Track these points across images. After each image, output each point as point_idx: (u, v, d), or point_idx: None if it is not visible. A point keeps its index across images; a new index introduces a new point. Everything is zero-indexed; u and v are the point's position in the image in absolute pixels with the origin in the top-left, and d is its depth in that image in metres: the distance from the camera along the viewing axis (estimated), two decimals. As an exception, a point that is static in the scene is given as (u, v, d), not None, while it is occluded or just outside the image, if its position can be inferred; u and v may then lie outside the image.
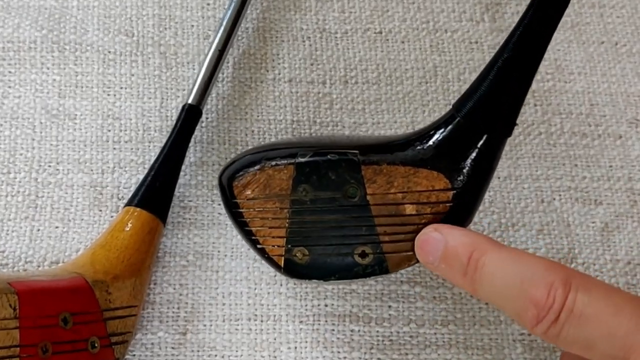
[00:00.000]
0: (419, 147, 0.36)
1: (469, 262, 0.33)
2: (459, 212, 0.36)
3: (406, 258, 0.36)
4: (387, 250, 0.35)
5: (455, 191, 0.35)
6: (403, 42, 0.49)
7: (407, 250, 0.35)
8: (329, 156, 0.36)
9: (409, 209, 0.35)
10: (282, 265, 0.36)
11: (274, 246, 0.36)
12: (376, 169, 0.35)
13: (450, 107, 0.36)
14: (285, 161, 0.36)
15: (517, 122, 0.35)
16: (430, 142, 0.35)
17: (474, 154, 0.35)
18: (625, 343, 0.29)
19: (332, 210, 0.36)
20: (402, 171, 0.35)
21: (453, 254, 0.34)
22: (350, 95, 0.47)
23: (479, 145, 0.35)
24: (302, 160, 0.36)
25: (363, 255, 0.36)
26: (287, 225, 0.36)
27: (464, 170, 0.35)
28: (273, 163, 0.36)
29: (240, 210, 0.37)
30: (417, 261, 0.36)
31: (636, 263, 0.44)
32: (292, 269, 0.36)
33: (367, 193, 0.35)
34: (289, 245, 0.36)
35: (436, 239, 0.34)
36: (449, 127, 0.35)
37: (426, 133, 0.36)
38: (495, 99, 0.34)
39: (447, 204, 0.35)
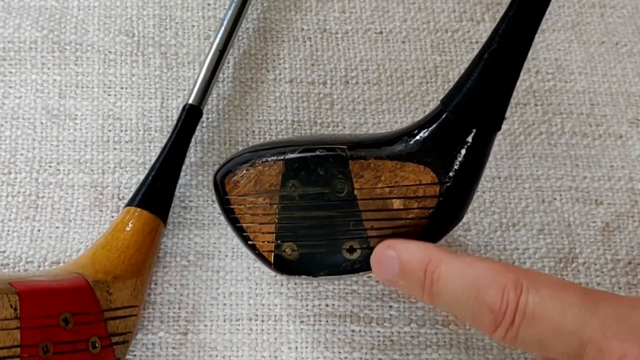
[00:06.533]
0: (406, 142, 0.36)
1: (425, 276, 0.33)
2: (449, 208, 0.35)
3: None
4: (375, 246, 0.35)
5: (443, 185, 0.35)
6: (404, 42, 0.49)
7: None
8: (317, 152, 0.36)
9: (396, 204, 0.35)
10: (272, 261, 0.37)
11: (263, 242, 0.37)
12: (363, 163, 0.35)
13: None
14: (275, 157, 0.36)
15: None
16: (418, 137, 0.35)
17: (462, 149, 0.35)
18: (575, 340, 0.29)
19: (321, 205, 0.36)
20: (389, 165, 0.35)
21: (409, 270, 0.34)
22: (351, 95, 0.47)
23: (467, 140, 0.35)
24: (291, 156, 0.36)
25: (351, 250, 0.36)
26: (276, 220, 0.36)
27: (453, 165, 0.35)
28: (263, 159, 0.36)
29: (232, 206, 0.37)
30: None
31: (637, 263, 0.44)
32: (282, 265, 0.37)
33: (354, 188, 0.35)
34: (279, 241, 0.36)
35: (390, 257, 0.34)
36: (437, 122, 0.35)
37: (414, 128, 0.36)
38: (483, 92, 0.34)
39: (435, 199, 0.35)
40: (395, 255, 0.34)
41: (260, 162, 0.36)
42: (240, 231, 0.37)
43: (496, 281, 0.31)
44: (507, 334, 0.31)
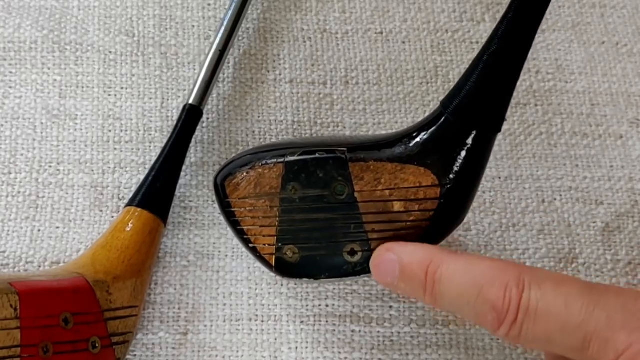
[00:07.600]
0: (406, 144, 0.36)
1: (427, 277, 0.33)
2: (449, 209, 0.35)
3: None
4: (376, 248, 0.35)
5: (443, 187, 0.35)
6: (404, 43, 0.49)
7: None
8: (317, 154, 0.36)
9: (397, 206, 0.35)
10: (273, 264, 0.36)
11: (264, 245, 0.37)
12: (363, 166, 0.35)
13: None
14: (275, 160, 0.36)
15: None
16: (418, 139, 0.35)
17: (462, 150, 0.35)
18: (580, 333, 0.29)
19: (321, 208, 0.36)
20: (389, 168, 0.35)
21: (409, 273, 0.34)
22: (351, 95, 0.47)
23: (467, 142, 0.35)
24: (291, 158, 0.36)
25: (352, 253, 0.36)
26: (277, 223, 0.36)
27: (453, 167, 0.35)
28: (263, 162, 0.36)
29: (233, 209, 0.37)
30: None
31: (637, 263, 0.44)
32: (283, 268, 0.36)
33: (354, 190, 0.35)
34: (280, 244, 0.36)
35: (390, 260, 0.34)
36: (437, 124, 0.35)
37: (414, 130, 0.36)
38: (482, 94, 0.34)
39: (436, 201, 0.35)
40: (395, 258, 0.34)
41: (260, 164, 0.36)
42: (241, 234, 0.37)
43: (498, 278, 0.31)
44: (510, 331, 0.31)
